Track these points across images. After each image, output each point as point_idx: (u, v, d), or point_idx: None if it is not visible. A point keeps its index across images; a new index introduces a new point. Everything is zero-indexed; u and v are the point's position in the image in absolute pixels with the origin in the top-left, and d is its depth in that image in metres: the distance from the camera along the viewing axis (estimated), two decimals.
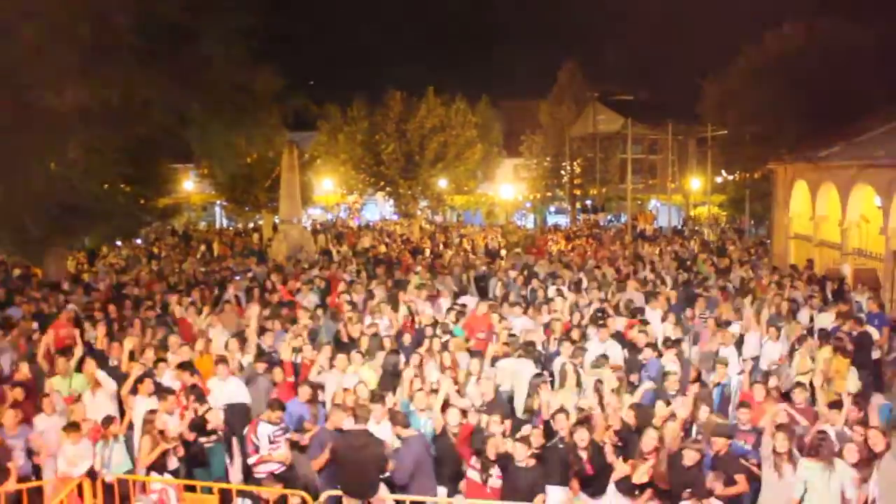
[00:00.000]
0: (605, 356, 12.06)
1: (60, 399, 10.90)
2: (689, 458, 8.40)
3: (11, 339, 13.71)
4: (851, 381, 11.90)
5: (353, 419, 9.31)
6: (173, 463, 9.62)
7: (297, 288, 18.72)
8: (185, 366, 11.39)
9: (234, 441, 10.38)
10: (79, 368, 11.56)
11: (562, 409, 9.54)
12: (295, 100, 26.08)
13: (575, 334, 13.40)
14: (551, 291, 17.85)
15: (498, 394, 11.02)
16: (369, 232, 38.97)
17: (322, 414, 10.65)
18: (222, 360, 11.52)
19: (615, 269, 22.10)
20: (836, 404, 9.86)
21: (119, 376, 11.29)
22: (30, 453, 9.91)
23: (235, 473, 10.36)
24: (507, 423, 9.68)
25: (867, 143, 22.63)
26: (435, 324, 14.40)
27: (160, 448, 9.43)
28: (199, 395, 10.45)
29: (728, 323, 14.43)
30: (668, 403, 10.10)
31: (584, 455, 8.81)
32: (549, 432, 9.38)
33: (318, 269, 22.28)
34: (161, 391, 10.48)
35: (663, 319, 14.87)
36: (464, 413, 9.86)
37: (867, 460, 8.37)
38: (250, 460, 9.53)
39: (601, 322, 13.87)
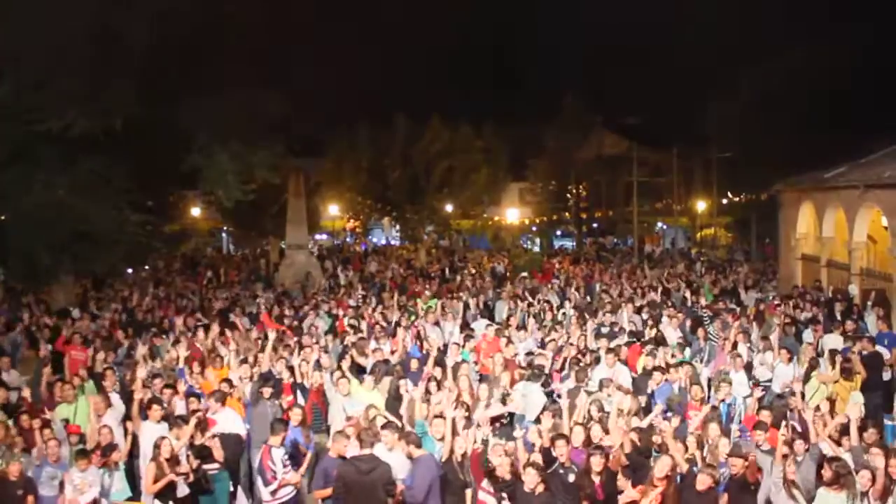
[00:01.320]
0: (609, 379, 12.00)
1: (61, 427, 10.87)
2: (702, 482, 8.32)
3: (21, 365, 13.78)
4: (852, 405, 11.79)
5: (357, 444, 9.24)
6: (183, 490, 9.58)
7: (306, 313, 18.78)
8: (192, 393, 11.36)
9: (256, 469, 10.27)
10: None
11: (562, 435, 9.46)
12: (299, 128, 26.29)
13: (587, 358, 13.38)
14: (560, 315, 17.83)
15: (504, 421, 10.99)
16: (376, 257, 39.02)
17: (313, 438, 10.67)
18: (217, 393, 11.33)
19: (619, 292, 22.09)
20: (844, 430, 9.76)
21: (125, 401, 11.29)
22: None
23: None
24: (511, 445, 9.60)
25: (873, 164, 22.64)
26: (443, 348, 14.37)
27: (168, 478, 9.39)
28: (203, 422, 10.43)
29: (736, 345, 14.36)
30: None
31: (596, 480, 8.75)
32: (548, 458, 9.30)
33: (327, 295, 22.30)
34: (175, 419, 10.45)
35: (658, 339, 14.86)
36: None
37: (885, 487, 8.27)
38: (270, 487, 9.49)
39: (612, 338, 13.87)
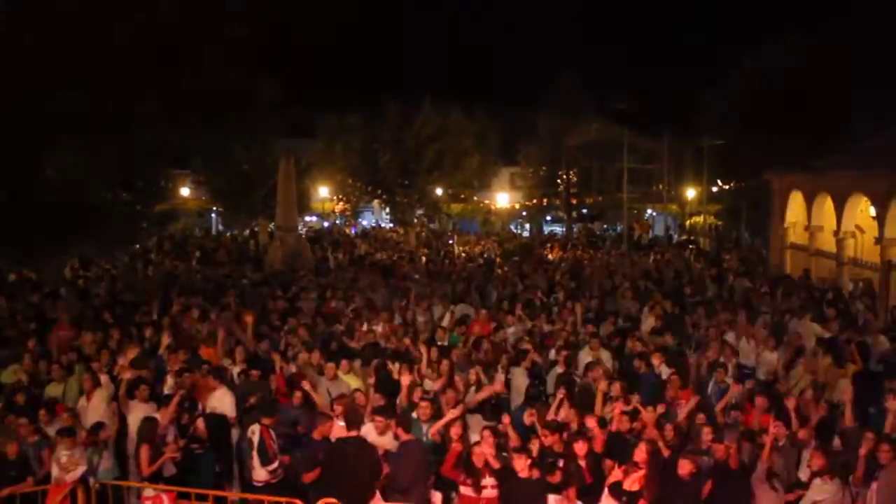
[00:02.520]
0: (595, 362, 12.07)
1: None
2: (683, 467, 8.39)
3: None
4: (841, 392, 11.88)
5: (344, 426, 9.25)
6: (170, 469, 9.60)
7: (295, 294, 18.77)
8: (180, 372, 11.35)
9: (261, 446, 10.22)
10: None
11: (553, 421, 9.52)
12: (291, 110, 26.33)
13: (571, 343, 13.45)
14: (552, 300, 17.91)
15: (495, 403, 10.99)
16: (366, 240, 38.96)
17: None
18: (216, 371, 11.37)
19: (609, 277, 22.15)
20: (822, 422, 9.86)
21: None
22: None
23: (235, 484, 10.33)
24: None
25: (862, 154, 22.72)
26: (432, 331, 14.39)
27: (164, 458, 9.41)
28: (192, 402, 10.42)
29: (723, 332, 14.43)
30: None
31: (583, 464, 8.83)
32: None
33: (315, 277, 22.27)
34: (163, 398, 10.44)
35: (658, 329, 14.90)
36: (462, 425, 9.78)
37: (870, 471, 8.38)
38: (271, 466, 9.53)
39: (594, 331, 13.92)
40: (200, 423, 10.11)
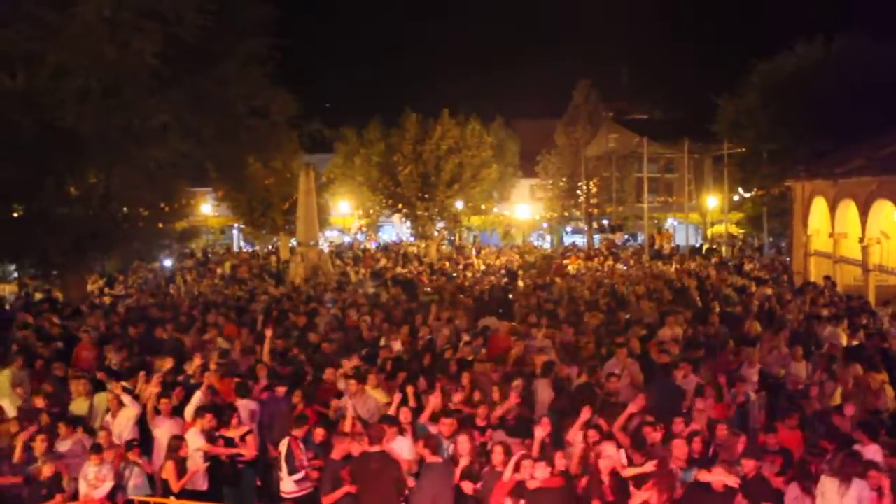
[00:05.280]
0: (614, 374, 11.98)
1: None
2: (717, 482, 8.28)
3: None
4: (887, 398, 11.72)
5: (366, 442, 9.20)
6: (200, 485, 9.62)
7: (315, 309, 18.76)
8: (241, 388, 11.37)
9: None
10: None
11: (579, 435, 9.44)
12: (310, 126, 26.56)
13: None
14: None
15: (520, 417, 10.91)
16: (385, 254, 39.02)
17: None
18: (240, 387, 11.36)
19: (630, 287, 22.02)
20: (864, 424, 9.72)
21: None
22: None
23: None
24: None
25: (886, 159, 22.47)
26: (455, 345, 14.36)
27: (192, 472, 9.43)
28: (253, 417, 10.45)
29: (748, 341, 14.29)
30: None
31: (605, 480, 8.72)
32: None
33: (336, 291, 22.31)
34: (198, 410, 10.39)
35: (682, 337, 14.79)
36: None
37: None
38: (297, 476, 9.49)
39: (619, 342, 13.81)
40: (251, 438, 10.13)
